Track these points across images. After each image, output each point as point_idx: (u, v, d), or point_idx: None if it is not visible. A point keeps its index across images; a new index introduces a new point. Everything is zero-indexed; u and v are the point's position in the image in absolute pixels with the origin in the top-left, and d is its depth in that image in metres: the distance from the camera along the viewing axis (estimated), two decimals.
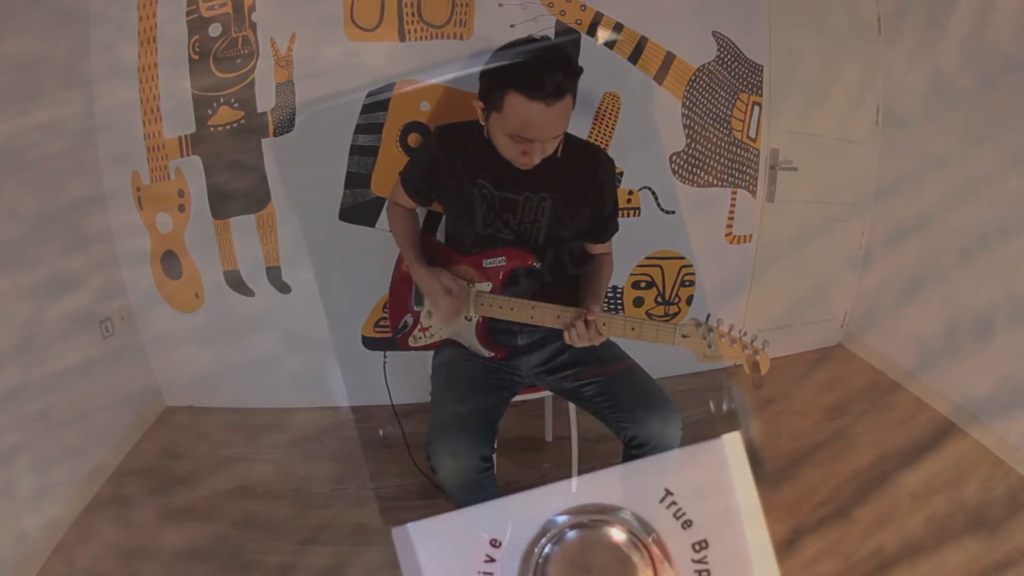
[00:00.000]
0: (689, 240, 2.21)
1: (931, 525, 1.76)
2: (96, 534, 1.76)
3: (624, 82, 1.99)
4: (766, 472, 2.02)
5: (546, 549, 0.69)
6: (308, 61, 1.91)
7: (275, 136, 1.98)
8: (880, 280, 2.44)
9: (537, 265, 1.35)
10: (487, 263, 1.36)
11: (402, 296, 1.53)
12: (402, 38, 1.88)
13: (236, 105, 1.96)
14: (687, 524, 0.69)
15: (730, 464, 0.69)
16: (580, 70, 1.20)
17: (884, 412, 2.32)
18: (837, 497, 1.89)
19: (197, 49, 1.91)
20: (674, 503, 0.69)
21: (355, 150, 1.98)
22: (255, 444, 2.12)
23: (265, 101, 1.95)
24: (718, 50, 2.02)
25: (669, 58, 1.99)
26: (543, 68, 1.13)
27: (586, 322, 1.21)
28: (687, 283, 2.29)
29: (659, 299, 2.29)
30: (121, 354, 2.11)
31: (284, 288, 2.16)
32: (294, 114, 1.95)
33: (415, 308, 1.50)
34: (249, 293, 2.17)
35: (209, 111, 1.96)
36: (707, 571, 0.69)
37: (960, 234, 2.11)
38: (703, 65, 2.02)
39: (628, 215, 2.13)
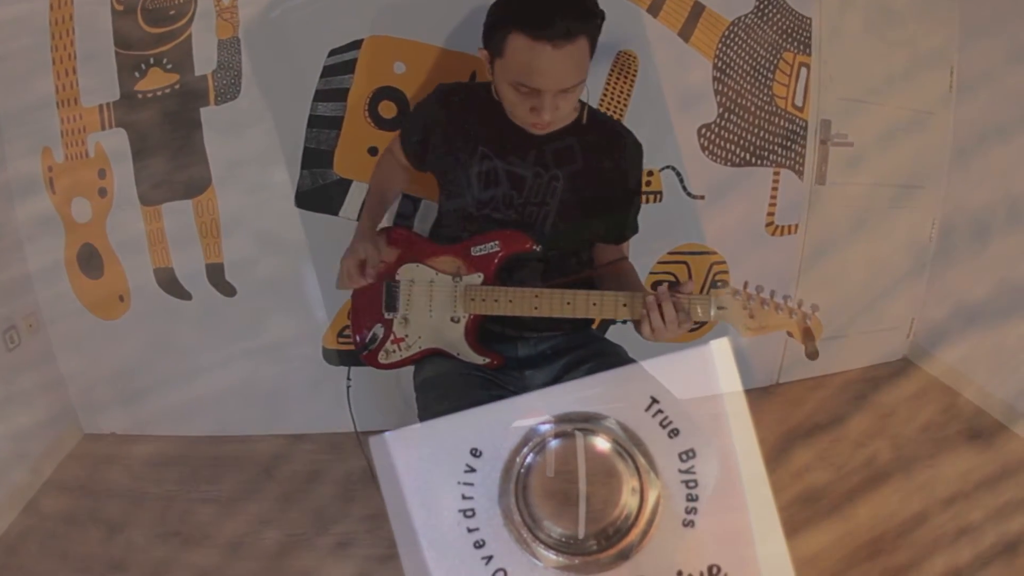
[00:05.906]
0: (722, 231, 2.19)
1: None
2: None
3: (642, 38, 1.97)
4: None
5: (528, 459, 0.76)
6: (257, 12, 1.89)
7: (216, 104, 1.95)
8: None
9: (538, 248, 1.32)
10: (476, 250, 1.34)
11: (369, 302, 1.45)
12: None
13: (169, 67, 1.93)
14: (674, 433, 0.76)
15: (718, 371, 0.76)
16: (599, 12, 1.20)
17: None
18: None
19: None
20: (660, 411, 0.76)
21: (314, 121, 1.96)
22: (192, 480, 2.09)
23: (205, 62, 1.92)
24: None
25: (697, 9, 1.96)
26: (551, 2, 1.13)
27: (660, 305, 1.15)
28: (719, 283, 2.26)
29: None
30: (28, 370, 2.08)
31: (228, 290, 2.13)
32: (240, 77, 1.93)
33: (386, 316, 1.45)
34: (185, 296, 2.14)
35: (136, 74, 1.93)
36: (694, 481, 0.76)
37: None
38: (739, 18, 2.00)
39: (648, 200, 2.10)
